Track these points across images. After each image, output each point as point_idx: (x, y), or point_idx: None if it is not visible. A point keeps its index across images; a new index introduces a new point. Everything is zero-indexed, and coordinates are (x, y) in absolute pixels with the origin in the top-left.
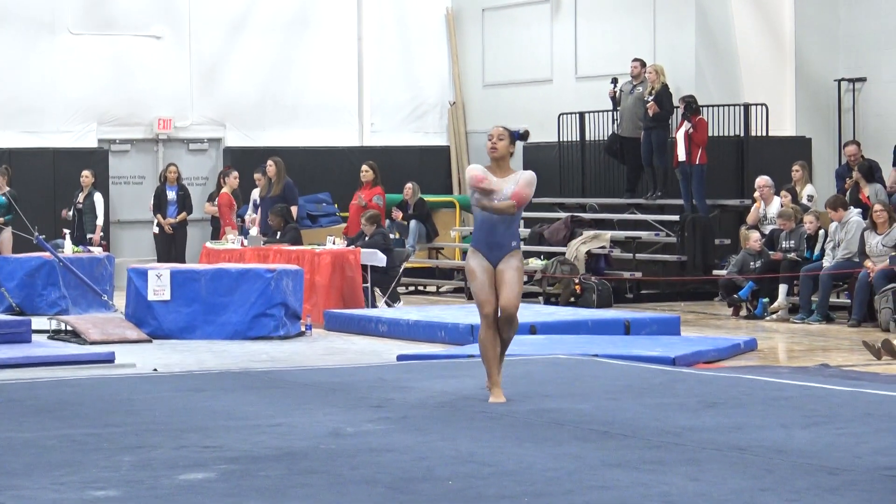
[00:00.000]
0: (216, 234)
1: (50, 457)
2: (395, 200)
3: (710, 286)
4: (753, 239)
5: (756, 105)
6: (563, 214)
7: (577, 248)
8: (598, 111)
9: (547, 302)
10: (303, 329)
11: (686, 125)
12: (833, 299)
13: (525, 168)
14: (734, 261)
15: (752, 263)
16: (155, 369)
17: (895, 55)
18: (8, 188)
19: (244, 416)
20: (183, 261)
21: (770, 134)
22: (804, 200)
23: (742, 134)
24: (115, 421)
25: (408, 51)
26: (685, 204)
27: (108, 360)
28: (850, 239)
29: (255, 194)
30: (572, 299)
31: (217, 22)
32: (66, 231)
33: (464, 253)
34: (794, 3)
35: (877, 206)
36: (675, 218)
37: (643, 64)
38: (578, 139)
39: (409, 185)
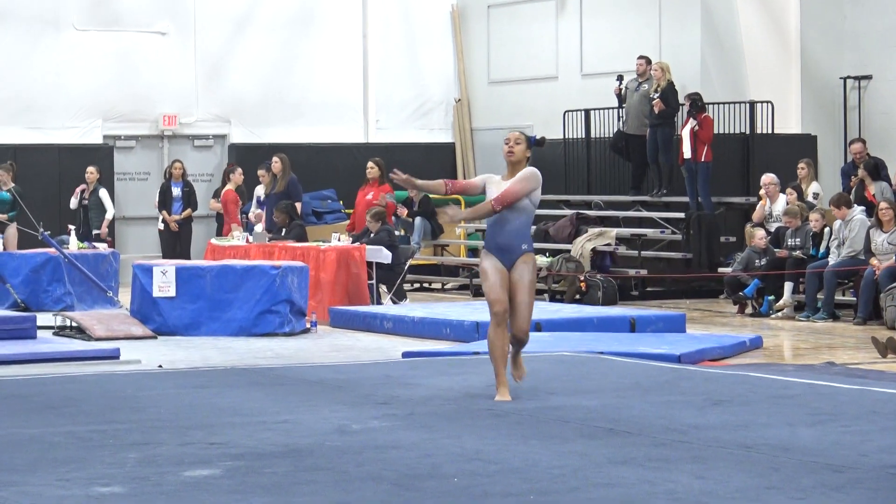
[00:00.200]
0: (221, 231)
1: (55, 453)
2: (401, 197)
3: (716, 284)
4: (759, 236)
5: (761, 102)
6: (568, 212)
7: (583, 246)
8: (604, 108)
9: (552, 299)
10: (308, 326)
11: (692, 122)
12: (839, 297)
13: (531, 166)
14: (739, 258)
15: (757, 261)
16: (160, 366)
17: None
18: (13, 184)
19: (249, 412)
20: (188, 257)
21: (776, 131)
22: (810, 198)
23: (747, 131)
24: (121, 417)
25: (413, 48)
26: (691, 201)
27: (114, 356)
28: (854, 237)
29: (259, 191)
30: (577, 297)
31: (222, 18)
32: (72, 227)
33: (469, 250)
34: (800, 1)
35: (882, 204)
36: (681, 215)
37: (648, 61)
38: (584, 136)
39: None
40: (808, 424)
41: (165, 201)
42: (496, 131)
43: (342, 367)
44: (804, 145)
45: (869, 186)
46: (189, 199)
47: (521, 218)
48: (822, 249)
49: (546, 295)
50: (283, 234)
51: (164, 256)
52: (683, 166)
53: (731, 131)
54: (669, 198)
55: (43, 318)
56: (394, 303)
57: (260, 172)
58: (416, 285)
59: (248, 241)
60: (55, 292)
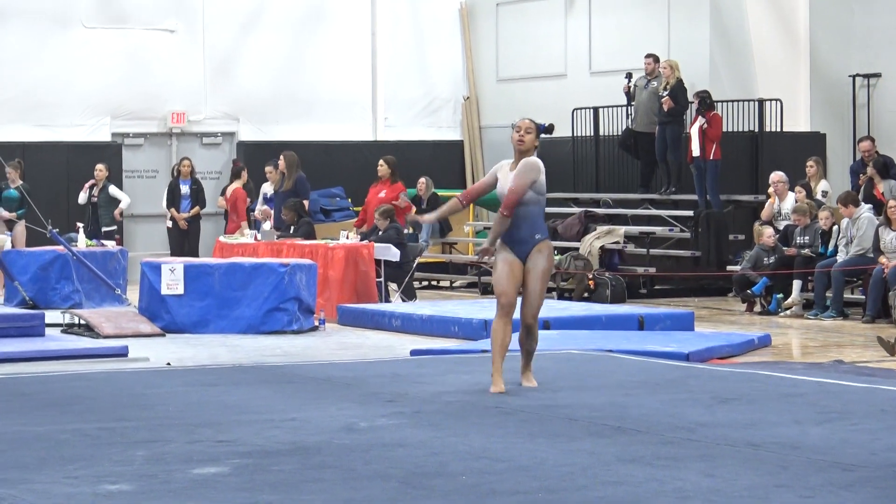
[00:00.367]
0: (226, 229)
1: (63, 451)
2: (409, 195)
3: (724, 282)
4: (767, 235)
5: (770, 100)
6: (576, 210)
7: (591, 244)
8: (613, 106)
9: (560, 297)
10: (316, 323)
11: (700, 120)
12: (847, 295)
13: (537, 155)
14: (748, 256)
15: (765, 259)
16: (168, 363)
17: None
18: (21, 182)
19: (257, 410)
20: (196, 255)
21: (784, 129)
22: (818, 196)
23: (756, 129)
24: (129, 415)
25: (421, 45)
26: (699, 199)
27: (122, 354)
28: (862, 235)
29: (266, 188)
30: (586, 295)
31: (231, 16)
32: (80, 225)
33: (477, 248)
34: None
35: (891, 202)
36: (689, 213)
37: (656, 59)
38: (592, 134)
39: (422, 179)
40: (817, 423)
41: (174, 199)
42: (505, 129)
43: (350, 365)
44: (813, 143)
45: (878, 184)
46: (197, 196)
47: (530, 209)
48: (830, 247)
49: (554, 293)
50: (291, 231)
51: (173, 254)
52: (692, 164)
53: (740, 129)
54: (678, 196)
55: (51, 316)
56: (403, 300)
57: (267, 169)
58: (424, 283)
59: (256, 238)
60: (63, 290)
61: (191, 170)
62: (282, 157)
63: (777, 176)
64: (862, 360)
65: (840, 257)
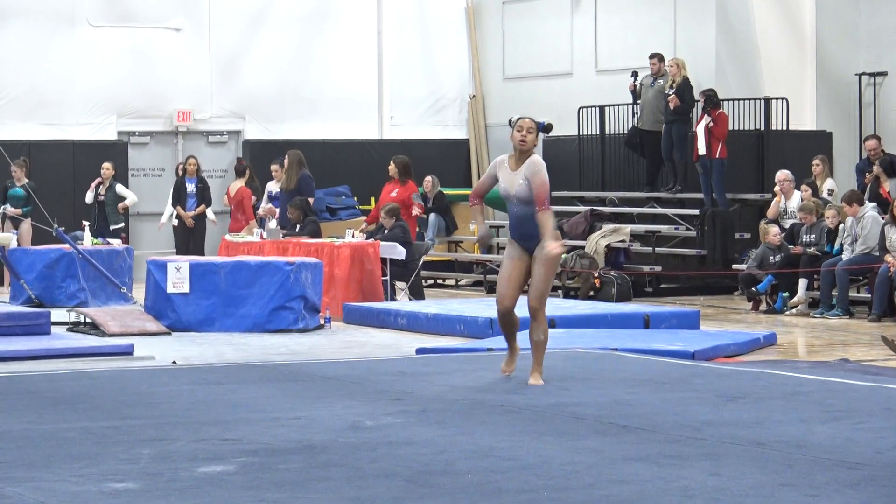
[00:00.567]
0: (228, 227)
1: (69, 449)
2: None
3: (730, 280)
4: (773, 233)
5: (776, 99)
6: (582, 208)
7: (597, 242)
8: (619, 104)
9: (566, 296)
10: (322, 322)
11: (706, 119)
12: (853, 294)
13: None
14: (754, 255)
15: (771, 258)
16: (174, 362)
17: None
18: (27, 180)
19: (263, 408)
20: (202, 253)
21: (790, 128)
22: (824, 195)
23: (762, 128)
24: (134, 413)
25: (427, 44)
26: (705, 198)
27: (127, 352)
28: (867, 234)
29: (271, 186)
30: (591, 293)
31: (237, 14)
32: (86, 223)
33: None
34: None
35: None
36: (695, 212)
37: (661, 59)
38: (598, 133)
39: (428, 178)
40: (823, 421)
41: (179, 197)
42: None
43: (356, 364)
44: (819, 142)
45: (884, 183)
46: (203, 195)
47: (535, 206)
48: (836, 246)
49: (560, 291)
50: (297, 230)
51: (178, 252)
52: (698, 163)
53: (746, 128)
54: (684, 194)
55: (57, 314)
56: (410, 299)
57: (273, 168)
58: (430, 282)
59: (261, 237)
60: (69, 288)
61: (196, 168)
62: (287, 155)
63: (783, 174)
64: (868, 359)
65: (845, 256)
